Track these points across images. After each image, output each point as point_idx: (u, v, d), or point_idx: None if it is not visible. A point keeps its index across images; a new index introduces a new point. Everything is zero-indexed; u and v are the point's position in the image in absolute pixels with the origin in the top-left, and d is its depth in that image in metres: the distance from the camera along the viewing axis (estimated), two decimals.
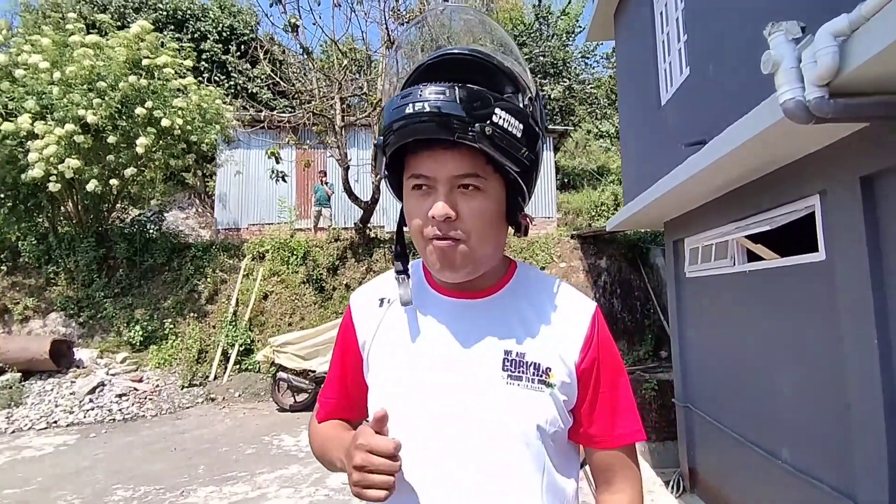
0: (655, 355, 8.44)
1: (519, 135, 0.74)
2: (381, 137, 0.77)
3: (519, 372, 0.82)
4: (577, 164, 18.06)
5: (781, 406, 3.31)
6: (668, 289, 7.08)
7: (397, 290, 0.88)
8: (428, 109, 0.71)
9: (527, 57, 17.48)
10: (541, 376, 0.82)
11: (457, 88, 0.72)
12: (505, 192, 0.80)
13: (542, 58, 17.85)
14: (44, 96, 7.88)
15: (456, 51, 0.77)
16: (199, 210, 14.02)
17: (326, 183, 11.26)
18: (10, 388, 7.20)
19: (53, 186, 7.85)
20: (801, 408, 3.07)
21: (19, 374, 7.49)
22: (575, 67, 19.20)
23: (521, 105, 0.77)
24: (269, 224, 11.45)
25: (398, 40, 1.02)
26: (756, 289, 3.72)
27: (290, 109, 10.89)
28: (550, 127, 14.12)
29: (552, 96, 17.81)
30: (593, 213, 13.13)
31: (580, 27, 18.53)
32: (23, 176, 7.84)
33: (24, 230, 8.86)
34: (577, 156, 19.17)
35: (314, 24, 16.29)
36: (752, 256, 3.89)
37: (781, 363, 3.34)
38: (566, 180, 16.77)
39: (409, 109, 0.72)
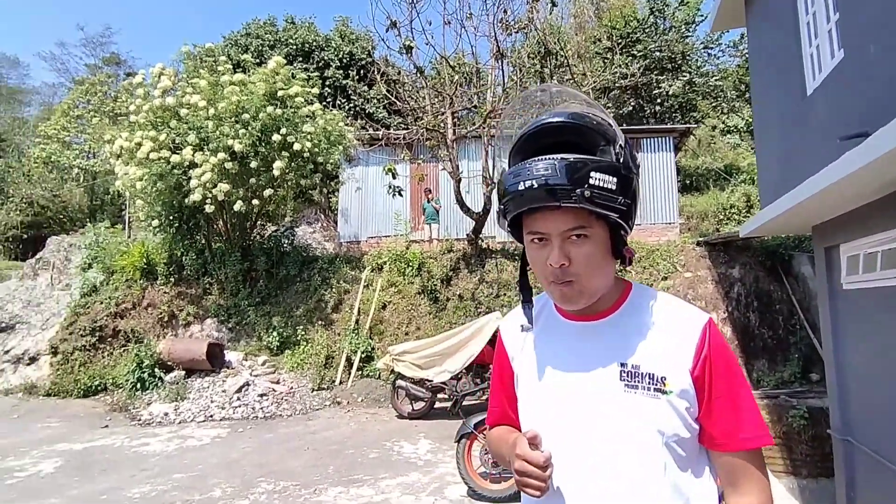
0: (804, 378, 7.43)
1: (613, 188, 0.90)
2: (501, 206, 0.98)
3: (635, 381, 0.94)
4: (701, 164, 16.64)
5: None
6: (820, 302, 6.23)
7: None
8: (537, 186, 0.89)
9: (641, 54, 16.58)
10: (656, 385, 0.93)
11: (557, 163, 0.89)
12: (609, 232, 0.95)
13: (658, 53, 16.79)
14: (201, 130, 9.11)
15: (554, 119, 0.94)
16: (324, 224, 15.23)
17: (433, 200, 11.63)
18: (177, 384, 8.36)
19: (209, 208, 9.02)
20: None
21: (183, 373, 8.68)
22: (696, 59, 17.77)
23: (613, 157, 0.92)
24: (386, 236, 12.08)
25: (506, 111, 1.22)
26: None
27: (404, 127, 11.42)
28: (669, 126, 13.20)
29: (670, 93, 16.65)
30: (721, 217, 11.97)
31: (702, 16, 17.14)
32: (186, 200, 9.12)
33: (187, 247, 10.28)
34: (701, 154, 17.67)
35: (427, 44, 16.97)
36: None
37: None
38: (688, 181, 15.52)
39: (521, 186, 0.91)
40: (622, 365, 0.95)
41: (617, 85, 16.10)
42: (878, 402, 4.26)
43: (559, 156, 0.90)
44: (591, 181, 0.89)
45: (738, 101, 18.09)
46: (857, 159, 3.59)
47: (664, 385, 0.93)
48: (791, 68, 5.34)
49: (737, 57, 18.38)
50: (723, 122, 18.43)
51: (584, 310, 1.00)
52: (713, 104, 18.46)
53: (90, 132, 19.81)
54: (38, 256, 12.10)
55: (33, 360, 9.17)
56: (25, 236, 20.03)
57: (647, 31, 16.92)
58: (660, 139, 12.09)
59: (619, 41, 16.48)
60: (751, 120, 17.89)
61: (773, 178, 6.12)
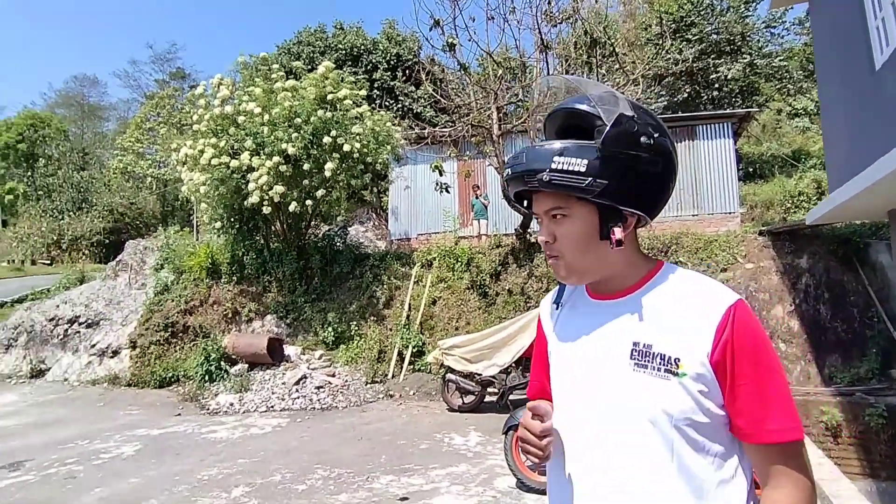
0: (883, 374, 6.90)
1: (582, 169, 0.93)
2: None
3: (645, 361, 0.94)
4: (766, 150, 15.71)
5: None
6: None
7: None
8: (511, 173, 1.01)
9: (697, 37, 15.85)
10: (667, 366, 0.92)
11: (526, 151, 0.99)
12: (598, 213, 0.97)
13: (714, 35, 15.99)
14: (257, 136, 9.58)
15: (559, 108, 1.05)
16: (376, 223, 15.62)
17: (481, 196, 11.64)
18: (241, 376, 8.86)
19: (266, 209, 9.48)
20: None
21: (247, 366, 9.18)
22: (757, 40, 16.77)
23: (595, 141, 0.95)
24: (435, 233, 12.22)
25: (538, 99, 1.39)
26: None
27: (450, 124, 11.50)
28: (727, 111, 12.58)
29: (729, 77, 15.82)
30: (788, 206, 11.26)
31: None
32: (245, 203, 9.62)
33: (247, 247, 10.85)
34: (766, 140, 16.67)
35: (470, 41, 16.96)
36: None
37: None
38: (751, 169, 14.69)
39: (505, 174, 1.04)
40: (634, 344, 0.96)
41: (670, 72, 15.50)
42: None
43: (536, 143, 1.00)
44: (553, 165, 0.94)
45: (806, 81, 16.91)
46: None
47: (677, 367, 0.91)
48: (857, 43, 4.99)
49: (803, 35, 17.21)
50: (789, 105, 17.29)
51: (605, 287, 1.04)
52: (778, 86, 17.37)
53: (160, 143, 21.22)
54: (117, 259, 13.15)
55: (115, 353, 9.99)
56: (108, 241, 21.79)
57: (702, 13, 16.15)
58: (717, 125, 11.54)
59: (672, 26, 15.80)
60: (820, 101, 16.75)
61: (842, 159, 5.74)
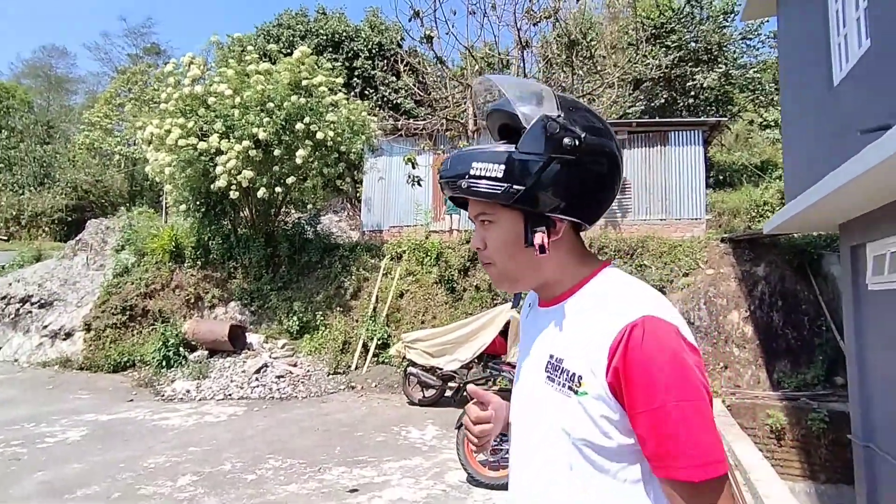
0: (828, 381, 7.17)
1: (500, 175, 0.90)
2: None
3: (554, 375, 0.92)
4: (737, 159, 16.10)
5: None
6: (844, 303, 5.99)
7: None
8: (440, 179, 0.99)
9: (676, 44, 16.08)
10: (571, 383, 0.88)
11: (450, 157, 0.97)
12: (523, 219, 0.94)
13: (693, 44, 16.25)
14: (227, 118, 9.35)
15: (491, 108, 1.01)
16: (350, 213, 15.45)
17: None
18: (200, 363, 8.68)
19: (233, 194, 9.27)
20: None
21: (207, 352, 8.99)
22: (733, 51, 17.13)
23: (513, 145, 0.91)
24: (407, 226, 12.16)
25: (475, 98, 1.27)
26: None
27: (427, 117, 11.44)
28: (699, 119, 12.84)
29: (705, 85, 16.12)
30: (753, 214, 11.58)
31: (740, 4, 16.48)
32: (212, 186, 9.39)
33: (213, 232, 10.60)
34: (737, 149, 17.08)
35: (448, 34, 16.82)
36: None
37: None
38: (721, 177, 15.04)
39: (438, 180, 1.02)
40: (550, 356, 0.93)
41: (649, 77, 15.71)
42: None
43: (465, 147, 0.99)
44: (471, 171, 0.91)
45: (777, 94, 17.36)
46: (876, 154, 3.44)
47: (579, 385, 0.86)
48: (819, 58, 5.13)
49: (777, 48, 17.62)
50: (761, 117, 17.73)
51: (545, 295, 1.02)
52: (751, 97, 17.78)
53: (128, 120, 20.55)
54: (77, 238, 12.69)
55: (69, 335, 9.67)
56: (70, 219, 21.03)
57: (682, 21, 16.39)
58: (688, 132, 11.74)
59: (653, 31, 16.02)
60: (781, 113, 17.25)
61: (800, 171, 5.91)
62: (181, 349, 8.96)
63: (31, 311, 10.12)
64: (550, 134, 0.89)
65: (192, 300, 10.16)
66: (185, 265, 10.52)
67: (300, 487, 4.62)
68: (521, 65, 9.19)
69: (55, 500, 4.35)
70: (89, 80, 36.93)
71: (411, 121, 11.22)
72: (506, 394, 1.20)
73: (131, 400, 7.69)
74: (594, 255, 1.03)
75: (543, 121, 0.89)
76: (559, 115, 0.90)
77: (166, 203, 14.85)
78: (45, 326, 9.81)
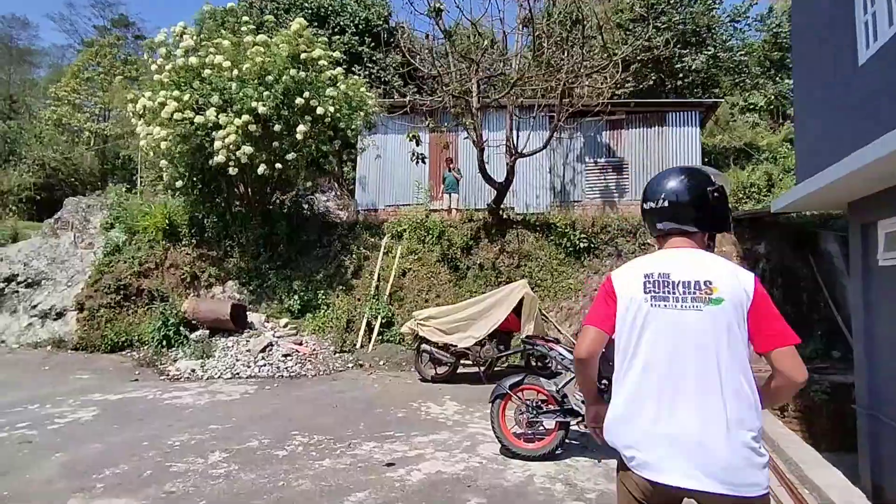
0: (826, 354, 7.48)
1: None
2: None
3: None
4: (720, 142, 16.41)
5: None
6: (853, 279, 6.21)
7: None
8: None
9: (665, 26, 16.15)
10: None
11: None
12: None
13: (682, 26, 16.36)
14: (225, 91, 9.01)
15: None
16: (338, 193, 15.17)
17: (454, 169, 11.54)
18: (202, 342, 8.49)
19: (232, 171, 8.98)
20: None
21: (208, 332, 8.80)
22: (721, 33, 17.32)
23: None
24: (404, 205, 12.04)
25: None
26: None
27: (429, 94, 11.25)
28: (696, 100, 13.03)
29: (693, 67, 16.29)
30: (740, 196, 11.88)
31: None
32: (209, 162, 9.07)
33: (208, 209, 10.30)
34: (719, 132, 17.39)
35: (457, 7, 16.46)
36: None
37: None
38: (706, 160, 15.33)
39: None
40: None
41: (639, 58, 15.77)
42: None
43: None
44: None
45: (762, 77, 17.70)
46: None
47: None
48: (841, 38, 5.21)
49: (763, 31, 17.92)
50: (744, 100, 18.05)
51: None
52: (736, 80, 18.06)
53: (107, 94, 19.66)
54: (56, 217, 12.14)
55: (60, 315, 9.32)
56: (38, 198, 20.07)
57: (672, 2, 16.45)
58: (685, 113, 11.92)
59: (644, 12, 16.04)
60: (772, 98, 17.58)
61: (814, 151, 6.05)
62: (181, 328, 8.74)
63: (17, 291, 9.70)
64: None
65: (189, 279, 9.91)
66: (181, 244, 10.23)
67: (335, 462, 4.59)
68: (527, 41, 9.08)
69: (83, 480, 4.22)
70: (53, 53, 34.97)
71: (415, 98, 11.01)
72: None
73: (136, 379, 7.49)
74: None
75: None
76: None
77: (142, 182, 14.35)
78: (35, 306, 9.43)
